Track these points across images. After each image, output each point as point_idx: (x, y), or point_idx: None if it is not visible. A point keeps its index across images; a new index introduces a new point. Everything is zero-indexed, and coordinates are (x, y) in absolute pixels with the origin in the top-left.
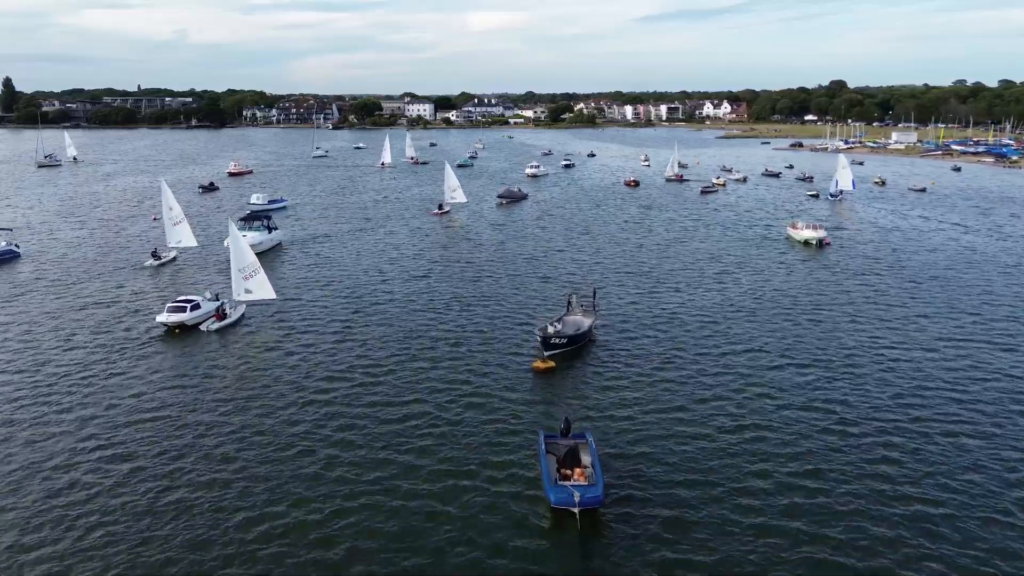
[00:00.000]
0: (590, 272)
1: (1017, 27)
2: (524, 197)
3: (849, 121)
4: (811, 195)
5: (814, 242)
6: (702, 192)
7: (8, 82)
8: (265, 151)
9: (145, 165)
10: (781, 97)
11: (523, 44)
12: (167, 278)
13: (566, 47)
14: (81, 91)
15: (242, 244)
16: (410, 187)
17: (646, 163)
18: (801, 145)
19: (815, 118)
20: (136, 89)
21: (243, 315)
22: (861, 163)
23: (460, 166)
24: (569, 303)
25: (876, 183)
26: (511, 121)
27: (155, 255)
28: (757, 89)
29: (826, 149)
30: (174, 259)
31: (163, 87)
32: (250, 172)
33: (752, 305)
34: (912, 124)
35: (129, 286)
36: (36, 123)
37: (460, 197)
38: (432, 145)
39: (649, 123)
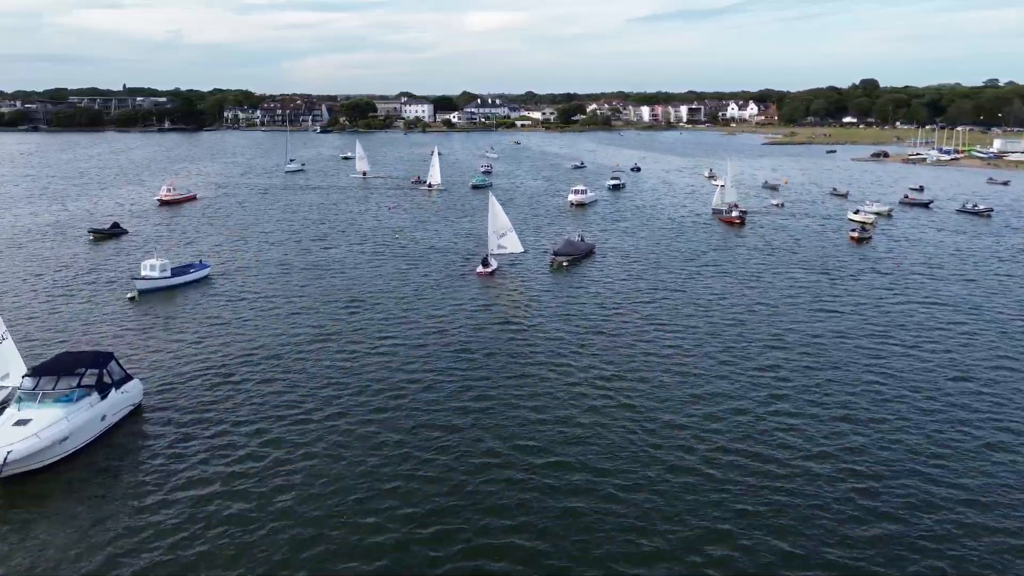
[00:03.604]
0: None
1: (1017, 27)
2: (591, 251)
3: (897, 123)
4: None
5: None
6: (856, 240)
7: None
8: (234, 161)
9: (67, 183)
10: (814, 97)
11: (523, 44)
12: None
13: (566, 47)
14: (64, 91)
15: None
16: (416, 226)
17: (718, 182)
18: (886, 155)
19: (855, 120)
20: (122, 88)
21: None
22: (1006, 183)
23: (475, 187)
24: None
25: None
26: (518, 124)
27: None
28: (765, 88)
29: (923, 160)
30: (3, 403)
31: (159, 87)
32: (192, 198)
33: None
34: (977, 127)
35: None
36: None
37: (513, 246)
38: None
39: (669, 125)
